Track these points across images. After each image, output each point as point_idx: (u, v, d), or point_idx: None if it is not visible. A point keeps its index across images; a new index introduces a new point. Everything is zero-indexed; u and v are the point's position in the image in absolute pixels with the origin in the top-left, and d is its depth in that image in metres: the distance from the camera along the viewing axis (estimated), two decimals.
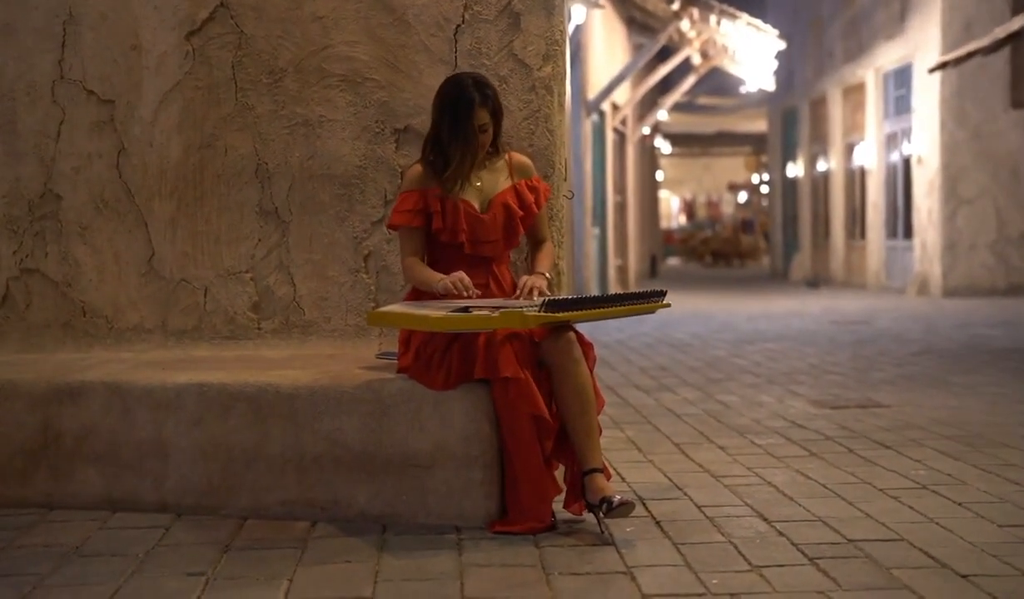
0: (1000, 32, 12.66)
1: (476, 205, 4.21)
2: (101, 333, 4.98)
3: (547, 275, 4.26)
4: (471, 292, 4.04)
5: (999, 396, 7.00)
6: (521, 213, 4.26)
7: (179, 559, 3.70)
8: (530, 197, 4.29)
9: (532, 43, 4.65)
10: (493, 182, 4.26)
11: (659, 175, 38.14)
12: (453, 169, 4.14)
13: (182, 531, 4.04)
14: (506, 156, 4.31)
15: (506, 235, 4.26)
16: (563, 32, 4.68)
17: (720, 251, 36.55)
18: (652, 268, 27.59)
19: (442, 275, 4.10)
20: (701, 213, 49.46)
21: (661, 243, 37.06)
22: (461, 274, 4.08)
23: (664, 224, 43.95)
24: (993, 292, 17.03)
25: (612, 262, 19.30)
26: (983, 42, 13.04)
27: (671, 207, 49.75)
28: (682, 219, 49.21)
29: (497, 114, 4.19)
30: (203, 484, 4.25)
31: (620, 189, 21.41)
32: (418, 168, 4.23)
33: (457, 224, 4.15)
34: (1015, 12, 15.00)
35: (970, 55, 13.35)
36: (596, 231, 17.72)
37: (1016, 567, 3.43)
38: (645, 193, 27.64)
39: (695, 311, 15.42)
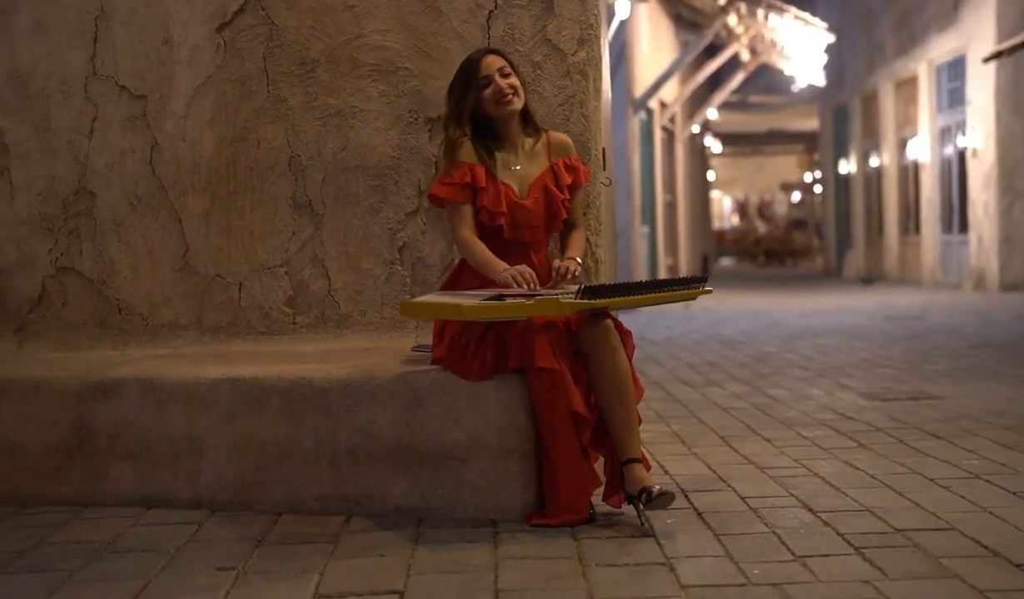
0: None
1: (516, 190, 4.11)
2: (136, 330, 4.95)
3: (578, 259, 4.15)
4: (533, 285, 3.92)
5: None
6: (561, 196, 4.15)
7: (210, 554, 3.64)
8: (567, 177, 4.17)
9: (566, 28, 4.56)
10: (532, 166, 4.16)
11: (711, 175, 37.87)
12: (454, 102, 4.07)
13: (215, 527, 3.98)
14: (544, 137, 4.21)
15: (548, 220, 4.15)
16: (597, 16, 4.59)
17: (773, 250, 36.22)
18: (704, 268, 27.36)
19: (506, 265, 3.98)
20: (754, 213, 49.03)
21: (714, 243, 36.78)
22: (525, 267, 3.95)
23: (716, 225, 43.66)
24: None
25: (663, 261, 19.16)
26: None
27: (723, 207, 49.37)
28: (735, 219, 48.81)
29: (516, 67, 4.12)
30: (237, 480, 4.20)
31: (670, 188, 21.26)
32: (468, 142, 4.10)
33: (498, 207, 4.05)
34: None
35: None
36: (646, 230, 17.59)
37: None
38: (696, 192, 27.43)
39: (746, 309, 15.25)
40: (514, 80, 4.07)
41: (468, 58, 4.13)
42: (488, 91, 4.05)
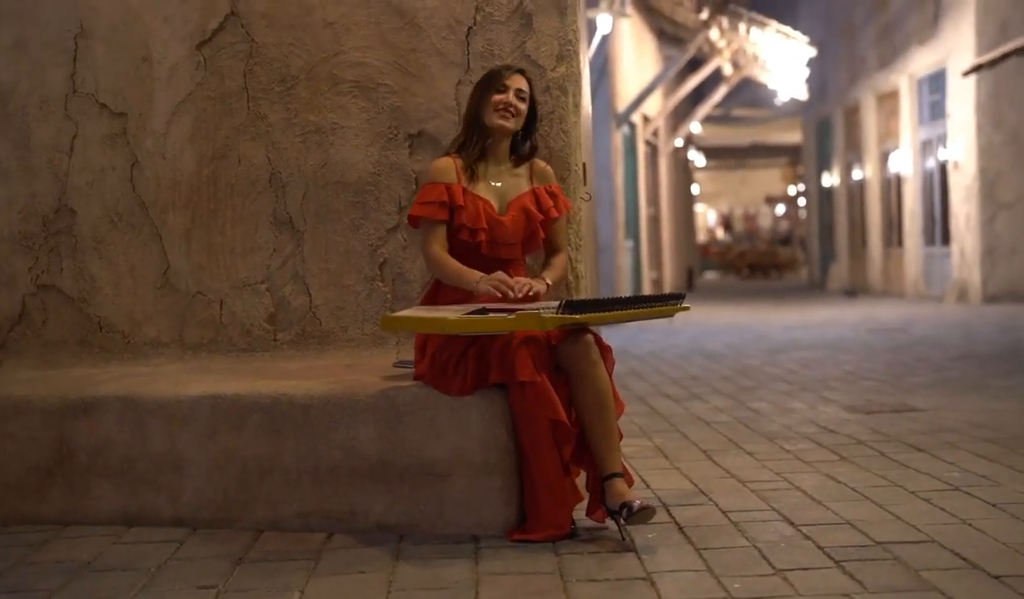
0: None
1: (495, 206, 4.13)
2: (118, 348, 4.94)
3: (548, 282, 4.17)
4: (515, 292, 3.94)
5: None
6: (541, 217, 4.18)
7: (191, 573, 3.63)
8: (548, 201, 4.21)
9: (545, 44, 4.58)
10: (513, 185, 4.20)
11: (695, 189, 37.95)
12: (469, 107, 4.16)
13: (196, 545, 3.97)
14: (529, 163, 4.25)
15: (525, 238, 4.18)
16: (576, 32, 4.61)
17: (757, 263, 36.31)
18: (689, 281, 27.41)
19: (481, 274, 4.01)
20: (738, 227, 49.15)
21: (698, 256, 36.86)
22: (503, 275, 3.98)
23: (701, 238, 43.75)
24: None
25: (647, 275, 19.19)
26: (1018, 43, 12.87)
27: (707, 221, 49.47)
28: (720, 232, 48.90)
29: (534, 100, 4.21)
30: (219, 497, 4.19)
31: (653, 202, 21.31)
32: (446, 160, 4.15)
33: (478, 223, 4.07)
34: None
35: (1005, 57, 13.19)
36: (630, 244, 17.62)
37: None
38: (680, 206, 27.49)
39: (730, 322, 15.27)
40: (522, 105, 4.14)
41: (499, 68, 4.21)
42: (497, 97, 4.10)
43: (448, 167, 4.12)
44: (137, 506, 4.27)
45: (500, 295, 3.91)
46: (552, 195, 4.24)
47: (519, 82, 4.15)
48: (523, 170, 4.24)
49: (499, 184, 4.17)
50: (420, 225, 4.16)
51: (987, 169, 16.97)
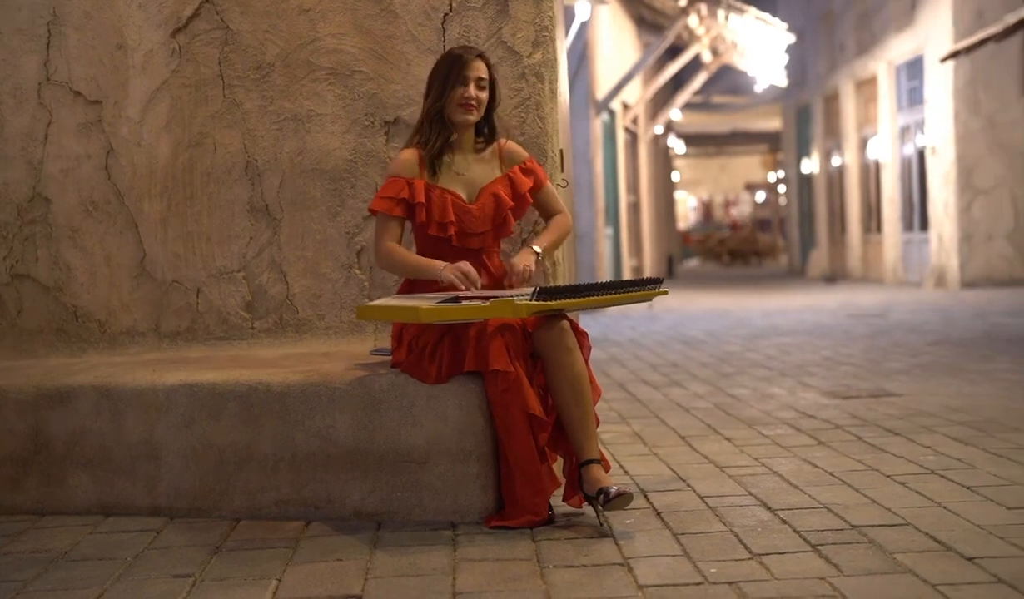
0: (1011, 18, 12.52)
1: (464, 196, 4.12)
2: (94, 337, 4.92)
3: (536, 249, 4.15)
4: (476, 286, 3.94)
5: (1014, 383, 6.87)
6: (512, 204, 4.16)
7: (167, 562, 3.62)
8: (526, 182, 4.18)
9: (521, 30, 4.57)
10: (482, 173, 4.17)
11: (675, 176, 37.98)
12: (430, 101, 4.06)
13: (173, 534, 3.96)
14: (495, 145, 4.22)
15: (495, 226, 4.15)
16: (552, 18, 4.60)
17: (738, 250, 36.39)
18: (669, 268, 27.45)
19: (443, 264, 4.00)
20: (719, 214, 49.22)
21: (679, 244, 36.91)
22: (465, 265, 3.97)
23: (683, 225, 43.80)
24: (1012, 282, 16.82)
25: (627, 262, 19.20)
26: (994, 29, 12.90)
27: (688, 208, 49.52)
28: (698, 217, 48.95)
29: (494, 84, 4.14)
30: (196, 486, 4.18)
31: (633, 189, 21.31)
32: (410, 154, 4.12)
33: (445, 216, 4.05)
34: None
35: (981, 43, 13.21)
36: (610, 231, 17.63)
37: (1023, 548, 3.32)
38: (660, 193, 27.50)
39: (710, 309, 15.30)
40: (483, 95, 4.10)
41: (457, 54, 4.10)
42: (459, 91, 4.05)
43: (412, 160, 4.09)
44: (114, 496, 4.25)
45: (464, 287, 3.91)
46: (527, 171, 4.21)
47: (479, 69, 4.09)
48: (491, 154, 4.21)
49: (466, 173, 4.15)
50: (376, 217, 4.16)
51: (965, 155, 17.03)
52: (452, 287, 3.92)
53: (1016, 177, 16.99)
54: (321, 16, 4.70)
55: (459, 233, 4.08)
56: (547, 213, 4.30)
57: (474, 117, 4.10)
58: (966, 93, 17.00)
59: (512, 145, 4.26)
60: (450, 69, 4.07)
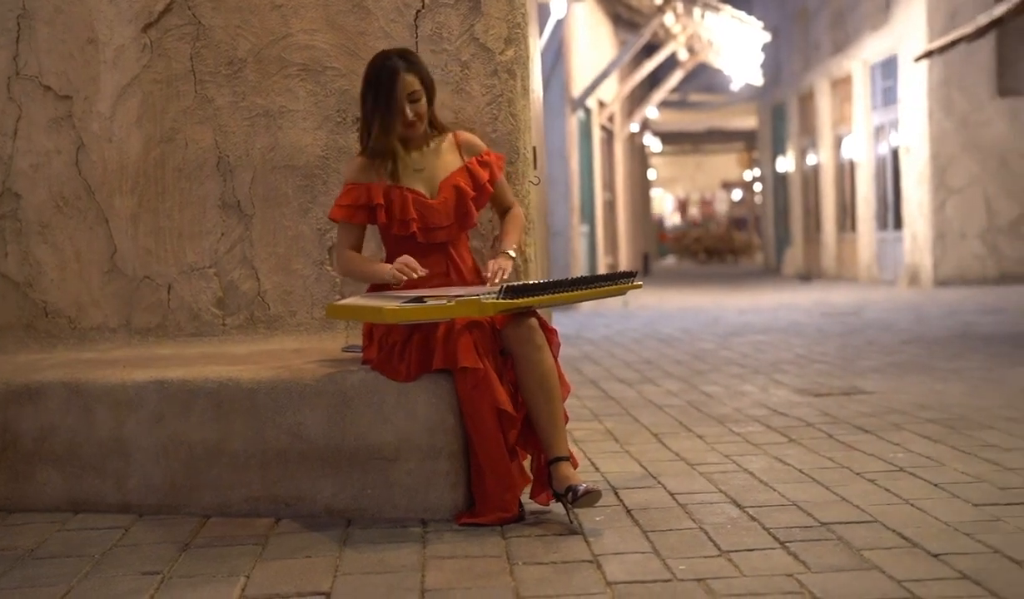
0: (983, 19, 12.58)
1: (425, 191, 4.10)
2: (64, 334, 4.89)
3: (511, 253, 4.16)
4: (420, 272, 3.93)
5: (984, 380, 6.92)
6: (473, 194, 4.15)
7: (136, 559, 3.61)
8: (483, 174, 4.17)
9: (494, 27, 4.57)
10: (440, 165, 4.15)
11: (651, 174, 38.05)
12: (374, 138, 4.00)
13: (142, 531, 3.95)
14: (451, 136, 4.21)
15: (459, 218, 4.13)
16: (525, 15, 4.60)
17: (714, 248, 36.50)
18: (645, 266, 27.50)
19: (388, 266, 4.00)
20: (695, 212, 49.30)
21: (655, 241, 36.98)
22: (405, 257, 3.97)
23: (668, 224, 43.90)
24: (984, 281, 16.94)
25: (603, 260, 19.22)
26: (967, 29, 12.96)
27: (664, 206, 49.57)
28: (676, 218, 49.02)
29: (427, 83, 4.08)
30: (166, 483, 4.16)
31: (609, 187, 21.33)
32: (361, 159, 4.11)
33: (407, 214, 4.04)
34: None
35: (954, 43, 13.27)
36: (585, 229, 17.64)
37: (988, 545, 3.35)
38: (636, 191, 27.55)
39: (685, 307, 15.35)
40: (420, 105, 4.03)
41: (384, 67, 4.00)
42: (397, 121, 4.00)
43: (367, 164, 4.08)
44: (83, 492, 4.23)
45: (409, 281, 3.91)
46: (484, 164, 4.20)
47: (410, 84, 4.00)
48: (448, 145, 4.19)
49: (426, 168, 4.14)
50: (337, 225, 4.15)
51: (938, 154, 17.13)
52: (410, 285, 3.92)
53: (989, 177, 17.10)
54: (293, 12, 4.68)
55: (422, 229, 4.07)
56: (501, 207, 4.32)
57: (419, 130, 4.08)
58: (940, 93, 17.09)
59: (466, 135, 4.25)
60: (382, 102, 3.98)
